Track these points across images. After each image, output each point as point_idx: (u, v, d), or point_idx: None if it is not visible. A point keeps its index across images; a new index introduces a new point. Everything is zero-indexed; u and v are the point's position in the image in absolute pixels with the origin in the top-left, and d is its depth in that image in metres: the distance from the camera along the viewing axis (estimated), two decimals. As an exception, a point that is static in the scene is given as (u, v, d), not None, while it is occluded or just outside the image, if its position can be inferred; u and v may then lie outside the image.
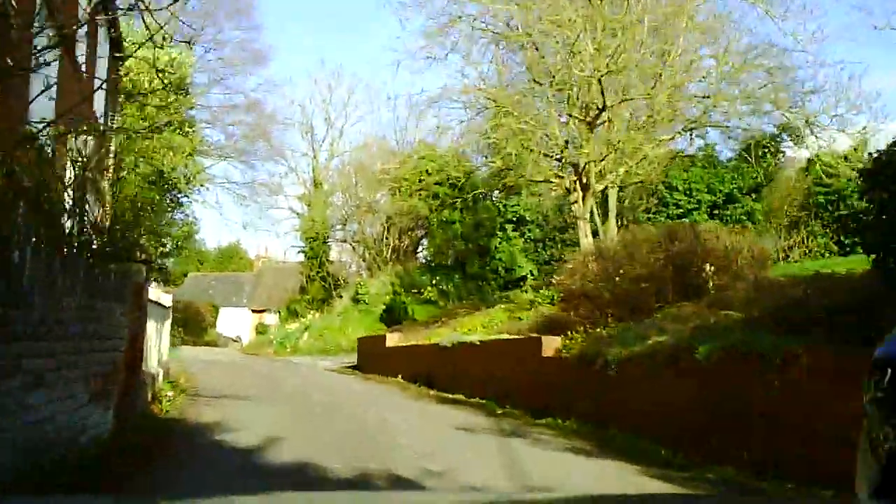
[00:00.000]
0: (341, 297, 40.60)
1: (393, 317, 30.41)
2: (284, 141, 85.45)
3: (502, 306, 21.75)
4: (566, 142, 20.21)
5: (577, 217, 21.52)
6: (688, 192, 39.63)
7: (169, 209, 35.57)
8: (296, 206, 59.21)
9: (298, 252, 57.09)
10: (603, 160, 19.95)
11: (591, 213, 24.49)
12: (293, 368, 26.30)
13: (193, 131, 36.09)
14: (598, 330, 13.58)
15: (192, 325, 57.97)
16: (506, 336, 16.57)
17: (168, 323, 17.86)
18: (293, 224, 58.33)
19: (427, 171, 41.38)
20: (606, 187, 22.68)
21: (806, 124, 25.97)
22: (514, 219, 41.65)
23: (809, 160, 41.55)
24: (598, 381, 12.19)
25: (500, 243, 41.16)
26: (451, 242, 41.01)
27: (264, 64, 72.24)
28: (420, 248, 48.84)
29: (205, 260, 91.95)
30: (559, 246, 40.46)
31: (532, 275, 40.73)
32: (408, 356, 21.33)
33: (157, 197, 33.58)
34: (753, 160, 41.31)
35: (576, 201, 21.21)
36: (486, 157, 22.40)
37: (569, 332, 14.08)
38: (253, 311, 71.88)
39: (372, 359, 24.66)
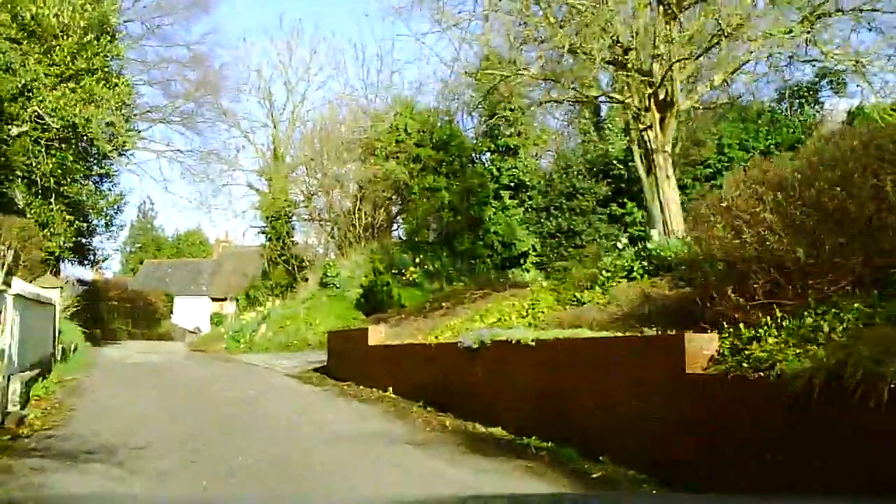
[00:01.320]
0: (306, 280, 33.33)
1: (373, 303, 23.07)
2: (239, 110, 76.82)
3: (544, 284, 14.41)
4: (633, 35, 13.13)
5: (654, 151, 14.53)
6: (718, 149, 32.86)
7: (87, 174, 28.08)
8: (255, 181, 51.90)
9: (258, 233, 49.77)
10: (698, 58, 12.95)
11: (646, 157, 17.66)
12: (241, 375, 19.07)
13: (122, 84, 28.73)
14: (814, 320, 6.62)
15: (142, 317, 50.47)
16: (584, 333, 9.50)
17: (15, 322, 10.59)
18: (252, 201, 50.95)
19: (406, 129, 34.26)
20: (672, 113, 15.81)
21: (856, 65, 19.32)
22: (511, 184, 34.59)
23: (850, 112, 34.93)
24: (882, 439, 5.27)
25: (494, 213, 34.14)
26: (437, 213, 33.89)
27: (208, 10, 64.28)
28: (396, 225, 41.57)
29: (162, 247, 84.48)
30: (567, 215, 33.49)
31: (534, 250, 33.80)
32: (402, 359, 14.20)
33: (72, 160, 26.13)
34: (789, 111, 34.60)
35: (649, 126, 14.22)
36: (515, 65, 14.87)
37: (732, 328, 7.15)
38: (213, 299, 64.51)
39: (348, 360, 17.50)
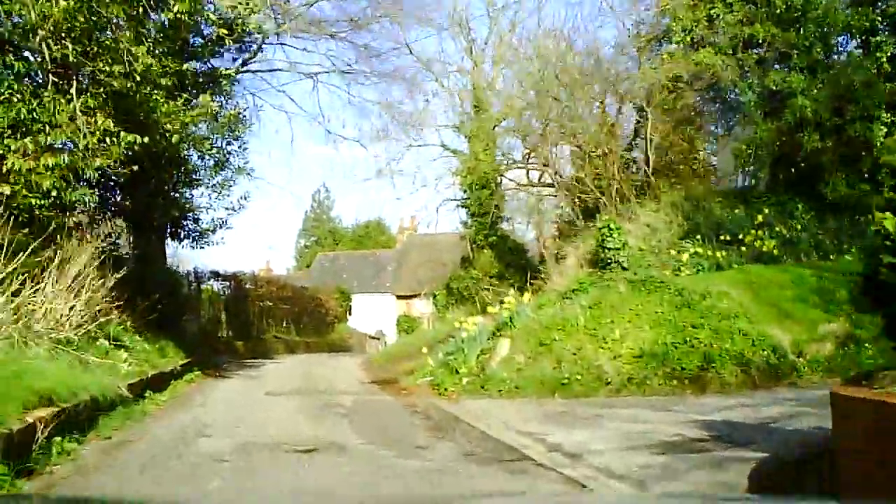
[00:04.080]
0: (563, 258, 18.67)
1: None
2: (427, 49, 60.35)
3: None
4: None
5: None
6: None
7: (166, 63, 13.18)
8: (450, 141, 38.24)
9: (457, 206, 36.00)
10: None
11: None
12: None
13: None
14: None
15: (310, 321, 37.75)
16: None
17: None
18: (449, 165, 36.97)
19: (724, -4, 19.30)
20: None
21: None
22: (923, 79, 18.90)
23: None
24: None
25: (889, 133, 18.64)
26: (788, 137, 18.83)
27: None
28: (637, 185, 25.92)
29: (341, 239, 72.99)
30: None
31: (977, 195, 17.88)
32: None
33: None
34: None
35: None
36: None
37: None
38: (398, 296, 51.53)
39: None
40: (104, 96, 11.62)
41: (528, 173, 32.31)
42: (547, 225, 33.43)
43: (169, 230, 17.65)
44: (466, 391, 13.79)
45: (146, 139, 11.79)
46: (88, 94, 11.41)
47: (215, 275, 27.16)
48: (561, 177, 24.48)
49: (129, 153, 11.92)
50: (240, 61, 20.27)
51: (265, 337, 30.09)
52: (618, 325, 13.34)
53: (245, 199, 18.41)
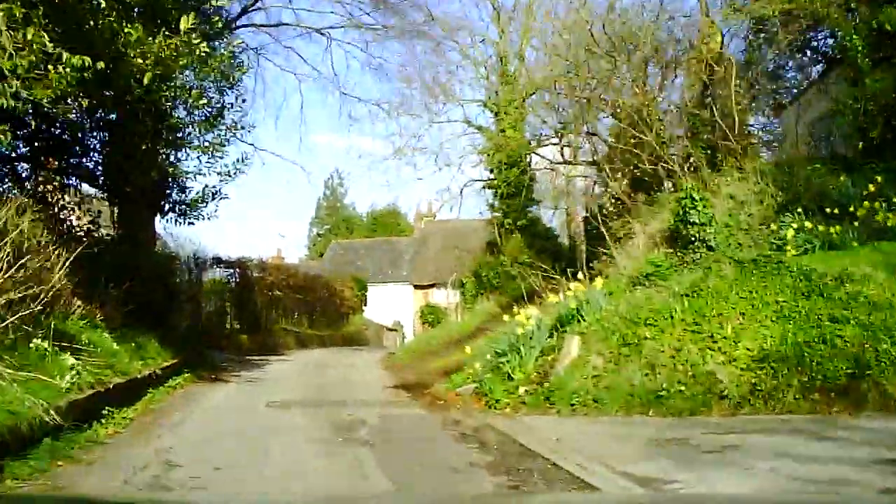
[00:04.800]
0: (630, 238, 15.21)
1: None
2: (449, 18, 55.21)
3: None
4: None
5: None
6: None
7: None
8: (474, 116, 35.02)
9: (483, 187, 32.83)
10: None
11: None
12: None
13: None
14: None
15: (323, 312, 34.58)
16: None
17: None
18: (473, 143, 33.66)
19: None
20: None
21: None
22: None
23: None
24: None
25: None
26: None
27: None
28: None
29: (355, 227, 69.80)
30: None
31: None
32: None
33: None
34: None
35: None
36: None
37: None
38: (416, 286, 48.27)
39: None
40: (40, 7, 8.38)
41: (562, 150, 29.03)
42: (578, 207, 30.22)
43: (151, 201, 14.35)
44: (526, 404, 10.53)
45: (100, 64, 8.54)
46: (14, 2, 8.16)
47: (217, 261, 23.88)
48: (610, 147, 21.12)
49: (91, 94, 8.72)
50: (238, 7, 17.03)
51: (274, 330, 26.91)
52: (727, 318, 10.02)
53: (242, 161, 15.14)
